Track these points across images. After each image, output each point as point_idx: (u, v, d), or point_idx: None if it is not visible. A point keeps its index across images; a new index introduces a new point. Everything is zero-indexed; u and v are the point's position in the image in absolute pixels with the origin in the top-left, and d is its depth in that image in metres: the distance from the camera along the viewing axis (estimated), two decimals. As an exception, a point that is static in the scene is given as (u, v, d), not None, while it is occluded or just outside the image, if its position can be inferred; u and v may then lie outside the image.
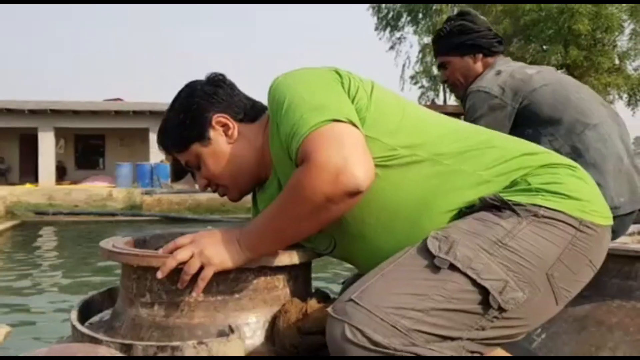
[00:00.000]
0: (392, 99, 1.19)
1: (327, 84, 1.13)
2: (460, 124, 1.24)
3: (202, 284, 1.11)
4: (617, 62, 20.27)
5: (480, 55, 2.11)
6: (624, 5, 19.53)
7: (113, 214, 15.79)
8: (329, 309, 1.02)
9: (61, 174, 21.99)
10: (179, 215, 15.60)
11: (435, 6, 28.64)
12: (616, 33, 19.77)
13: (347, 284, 1.45)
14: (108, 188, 18.22)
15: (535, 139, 1.82)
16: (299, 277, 1.26)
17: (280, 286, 1.21)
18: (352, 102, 1.12)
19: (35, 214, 15.43)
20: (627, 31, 19.91)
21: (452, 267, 0.99)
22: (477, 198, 1.08)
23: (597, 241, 1.08)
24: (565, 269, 1.04)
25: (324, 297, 1.24)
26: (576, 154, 1.88)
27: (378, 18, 30.58)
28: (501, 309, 0.98)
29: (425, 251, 1.02)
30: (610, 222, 1.11)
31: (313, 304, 1.17)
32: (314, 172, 0.99)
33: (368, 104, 1.13)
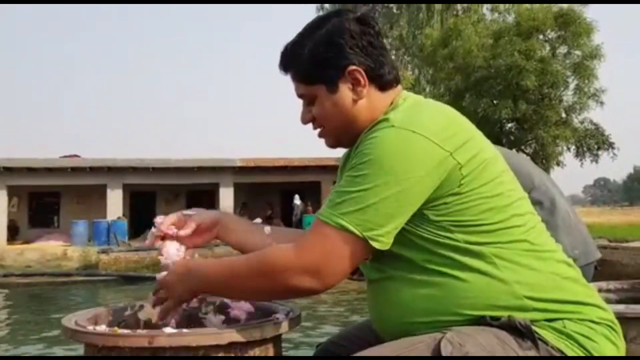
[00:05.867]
0: (495, 185, 1.12)
1: (410, 186, 1.06)
2: (538, 224, 1.19)
3: (160, 314, 1.28)
4: (563, 115, 21.13)
5: None
6: (567, 62, 20.56)
7: (68, 274, 15.21)
8: None
9: (13, 234, 21.17)
10: (137, 274, 15.13)
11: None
12: (562, 88, 20.67)
13: (322, 350, 1.42)
14: (63, 247, 17.64)
15: None
16: (270, 351, 1.24)
17: (251, 362, 1.19)
18: (442, 193, 1.08)
19: (-16, 276, 14.74)
20: (572, 86, 20.84)
21: None
22: (507, 315, 1.05)
23: None
24: None
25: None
26: None
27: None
28: None
29: (436, 350, 1.01)
30: None
31: (285, 379, 1.15)
32: (289, 259, 1.09)
33: (457, 192, 1.09)
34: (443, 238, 1.09)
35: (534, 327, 1.04)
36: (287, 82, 1.27)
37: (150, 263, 15.86)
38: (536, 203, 2.05)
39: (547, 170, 20.61)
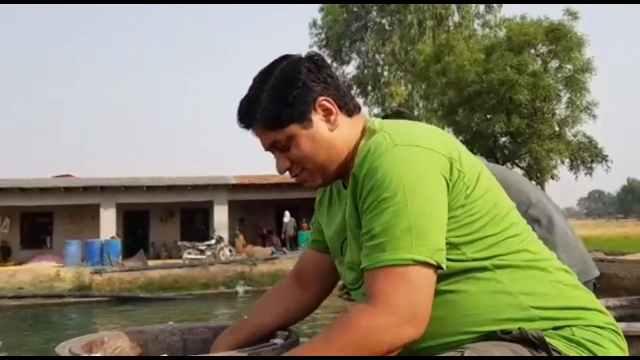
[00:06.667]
0: (489, 199, 1.12)
1: (436, 191, 1.05)
2: (532, 235, 1.19)
3: None
4: (557, 129, 21.28)
5: None
6: (559, 75, 20.75)
7: (61, 296, 15.07)
8: None
9: (5, 255, 21.02)
10: (131, 294, 15.01)
11: (383, 79, 29.74)
12: (554, 102, 20.86)
13: None
14: (56, 268, 17.47)
15: None
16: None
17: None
18: (449, 203, 1.07)
19: (-25, 299, 14.58)
20: (564, 100, 21.03)
21: None
22: (518, 327, 1.04)
23: None
24: None
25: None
26: None
27: (329, 91, 31.43)
28: None
29: None
30: None
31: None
32: (383, 319, 0.98)
33: (462, 204, 1.08)
34: (451, 256, 1.07)
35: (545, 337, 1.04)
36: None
37: (144, 283, 15.75)
38: (534, 221, 2.03)
39: (541, 183, 20.71)
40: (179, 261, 18.33)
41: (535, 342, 1.02)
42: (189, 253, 19.17)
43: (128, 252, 19.96)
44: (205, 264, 16.99)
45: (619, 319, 2.16)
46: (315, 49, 30.49)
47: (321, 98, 1.16)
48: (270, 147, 1.19)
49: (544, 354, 1.02)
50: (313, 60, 1.19)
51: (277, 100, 1.15)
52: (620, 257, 13.31)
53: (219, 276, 16.37)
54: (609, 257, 13.31)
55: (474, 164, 1.14)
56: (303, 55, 1.21)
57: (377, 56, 29.94)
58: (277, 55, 1.26)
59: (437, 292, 1.07)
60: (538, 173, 21.00)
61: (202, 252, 19.27)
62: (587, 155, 21.24)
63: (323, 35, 30.40)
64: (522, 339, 1.03)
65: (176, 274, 15.98)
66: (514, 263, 1.08)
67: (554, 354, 1.02)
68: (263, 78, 1.18)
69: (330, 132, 1.16)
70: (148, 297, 14.78)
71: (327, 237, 1.30)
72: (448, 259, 1.06)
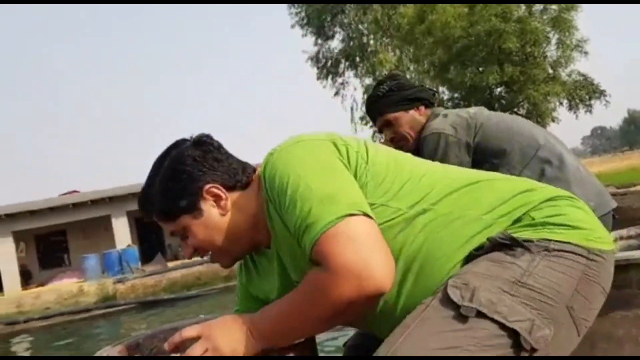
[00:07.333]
0: (384, 157, 1.18)
1: (331, 165, 1.10)
2: (445, 166, 1.25)
3: None
4: (550, 71, 21.12)
5: (422, 107, 2.20)
6: (545, 17, 20.53)
7: (87, 310, 15.23)
8: None
9: (26, 278, 21.19)
10: (156, 297, 15.15)
11: (370, 48, 29.50)
12: (544, 45, 20.67)
13: (350, 345, 1.42)
14: (78, 283, 17.64)
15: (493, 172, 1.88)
16: (305, 353, 1.22)
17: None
18: (354, 173, 1.11)
19: (5, 325, 14.74)
20: (554, 41, 20.85)
21: (479, 314, 0.97)
22: (486, 239, 1.07)
23: (606, 267, 1.09)
24: (582, 300, 1.05)
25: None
26: (537, 175, 1.96)
27: (318, 68, 31.27)
28: (533, 349, 0.97)
29: (447, 301, 1.00)
30: (613, 246, 1.13)
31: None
32: (335, 279, 0.98)
33: (366, 169, 1.13)
34: (390, 215, 1.10)
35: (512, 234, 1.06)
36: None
37: (167, 285, 15.88)
38: (544, 161, 2.03)
39: (543, 127, 20.60)
40: (198, 258, 18.41)
41: (506, 243, 1.04)
42: (206, 249, 19.26)
43: (146, 257, 20.08)
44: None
45: (636, 247, 2.17)
46: (297, 29, 30.31)
47: (208, 186, 1.18)
48: (171, 234, 1.24)
49: (519, 249, 1.04)
50: (200, 145, 1.22)
51: (165, 194, 1.20)
52: (632, 189, 13.30)
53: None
54: (621, 191, 13.28)
55: (355, 138, 1.20)
56: (192, 139, 1.23)
57: (360, 26, 29.64)
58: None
59: (404, 260, 1.09)
60: (538, 118, 20.87)
61: (218, 246, 19.35)
62: (584, 92, 21.09)
63: (303, 14, 30.09)
64: (493, 246, 1.05)
65: (197, 271, 16.08)
66: (443, 193, 1.12)
67: (529, 244, 1.04)
68: (155, 170, 1.24)
69: (222, 217, 1.20)
70: (173, 298, 14.90)
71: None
72: (390, 219, 1.09)
